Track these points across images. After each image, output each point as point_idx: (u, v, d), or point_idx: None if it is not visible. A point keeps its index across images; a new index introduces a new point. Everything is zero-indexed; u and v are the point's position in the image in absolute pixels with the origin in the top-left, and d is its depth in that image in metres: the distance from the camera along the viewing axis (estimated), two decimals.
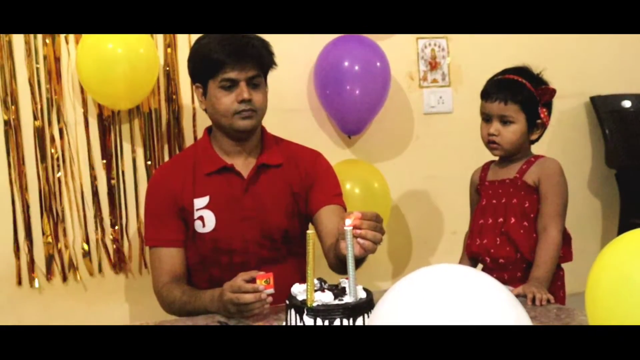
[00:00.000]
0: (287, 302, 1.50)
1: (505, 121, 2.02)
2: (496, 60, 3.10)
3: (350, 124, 2.75)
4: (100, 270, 2.56)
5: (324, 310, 1.42)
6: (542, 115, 2.02)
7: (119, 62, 2.39)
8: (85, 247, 2.52)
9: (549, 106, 2.05)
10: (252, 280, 1.66)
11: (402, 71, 2.96)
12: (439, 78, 3.01)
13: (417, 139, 3.01)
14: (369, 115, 2.76)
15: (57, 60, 2.46)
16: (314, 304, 1.43)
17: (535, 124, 2.04)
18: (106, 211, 2.54)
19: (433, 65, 3.00)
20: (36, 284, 2.48)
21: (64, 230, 2.49)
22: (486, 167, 2.20)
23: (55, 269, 2.50)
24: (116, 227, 2.55)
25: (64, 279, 2.51)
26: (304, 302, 1.45)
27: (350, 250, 1.45)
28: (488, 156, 3.04)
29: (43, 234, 2.47)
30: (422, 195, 3.03)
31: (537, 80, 2.05)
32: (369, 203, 2.70)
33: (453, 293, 0.93)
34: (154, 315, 2.04)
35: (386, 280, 2.98)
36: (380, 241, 1.60)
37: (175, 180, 2.02)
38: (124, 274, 2.61)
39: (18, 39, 2.43)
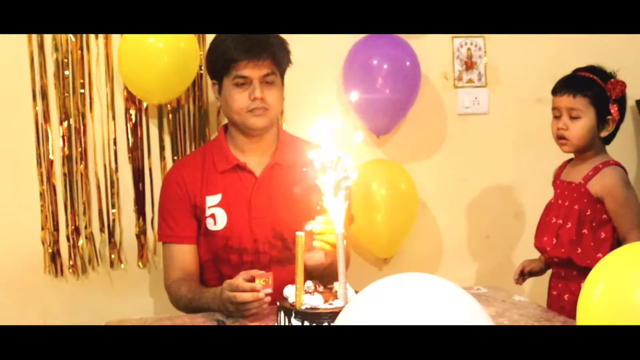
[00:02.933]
0: (278, 303, 1.49)
1: (573, 116, 2.03)
2: (536, 60, 3.04)
3: (379, 123, 2.71)
4: (124, 263, 2.58)
5: (311, 314, 1.40)
6: (612, 112, 2.03)
7: (160, 55, 2.40)
8: (112, 239, 2.56)
9: (620, 102, 2.06)
10: (252, 280, 1.66)
11: (436, 70, 2.88)
12: (475, 78, 2.93)
13: (450, 140, 2.93)
14: (398, 115, 2.71)
15: (85, 53, 2.50)
16: (303, 307, 1.42)
17: (606, 121, 2.04)
18: (131, 204, 2.57)
19: (469, 65, 2.92)
20: (62, 274, 2.53)
21: (89, 222, 2.53)
22: (565, 164, 2.21)
23: (79, 260, 2.53)
24: (140, 221, 2.57)
25: (85, 270, 2.55)
26: (293, 304, 1.44)
27: (340, 254, 1.42)
28: (525, 159, 2.97)
29: (68, 225, 2.52)
30: (454, 198, 2.95)
31: (609, 78, 2.06)
32: (395, 204, 2.65)
33: (404, 302, 0.90)
34: (176, 310, 2.05)
35: None
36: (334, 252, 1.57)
37: (189, 177, 2.03)
38: (149, 268, 2.63)
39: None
